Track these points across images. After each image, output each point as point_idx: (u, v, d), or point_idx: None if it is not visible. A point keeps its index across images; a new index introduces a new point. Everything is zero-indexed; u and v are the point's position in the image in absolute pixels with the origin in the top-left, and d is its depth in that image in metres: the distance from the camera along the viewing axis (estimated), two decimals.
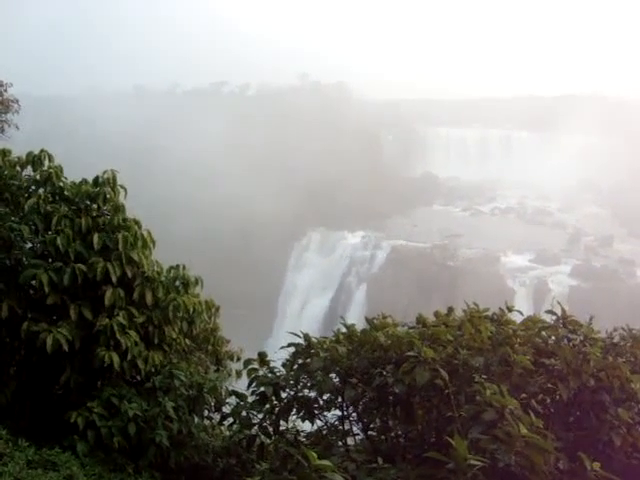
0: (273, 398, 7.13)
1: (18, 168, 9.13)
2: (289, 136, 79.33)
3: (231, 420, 7.68)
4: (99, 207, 8.93)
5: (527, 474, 4.53)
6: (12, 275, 8.47)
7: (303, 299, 61.16)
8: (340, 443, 6.93)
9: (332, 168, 72.82)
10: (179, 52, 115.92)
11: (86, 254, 8.51)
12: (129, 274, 8.54)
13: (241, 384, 8.43)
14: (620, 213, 67.54)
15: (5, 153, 9.18)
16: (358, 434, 7.07)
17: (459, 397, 5.56)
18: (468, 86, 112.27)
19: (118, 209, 8.96)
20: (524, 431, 4.52)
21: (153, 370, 8.64)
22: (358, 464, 5.73)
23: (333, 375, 6.90)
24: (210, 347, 10.17)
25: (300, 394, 7.12)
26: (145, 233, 8.98)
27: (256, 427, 7.31)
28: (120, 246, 8.49)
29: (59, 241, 8.35)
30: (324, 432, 7.18)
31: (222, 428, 9.06)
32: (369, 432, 6.98)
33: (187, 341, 9.38)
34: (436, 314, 6.96)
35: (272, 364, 7.45)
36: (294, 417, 7.26)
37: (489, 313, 6.73)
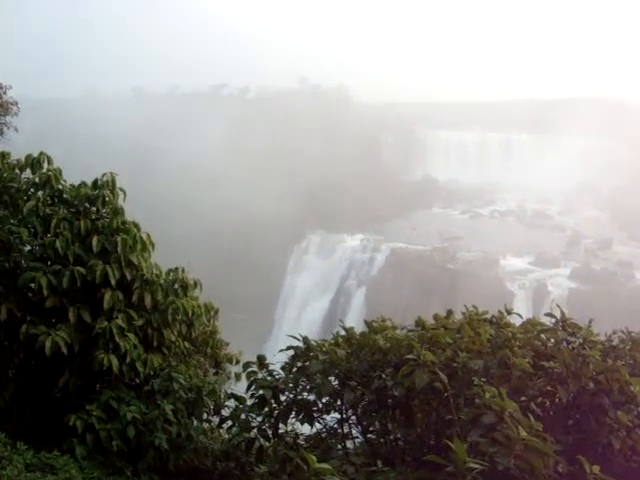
0: (272, 401, 7.13)
1: (17, 171, 9.12)
2: (289, 139, 79.40)
3: (230, 423, 7.67)
4: (98, 210, 8.93)
5: (526, 477, 4.53)
6: (11, 278, 8.46)
7: (302, 302, 61.14)
8: (339, 446, 6.92)
9: (332, 171, 72.88)
10: (178, 54, 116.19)
11: (85, 257, 8.50)
12: (128, 277, 8.53)
13: (240, 387, 8.42)
14: (619, 216, 67.56)
15: (4, 156, 9.18)
16: (357, 437, 7.06)
17: (458, 400, 5.55)
18: (468, 89, 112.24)
19: (117, 212, 8.95)
20: (523, 434, 4.51)
21: (152, 373, 8.63)
22: (357, 467, 5.73)
23: (332, 378, 6.89)
24: (209, 350, 10.16)
25: (299, 397, 7.12)
26: (144, 236, 8.98)
27: (255, 430, 7.31)
28: (119, 249, 8.49)
29: (58, 244, 8.35)
30: (323, 435, 7.18)
31: (221, 431, 9.04)
32: (368, 435, 6.97)
33: (186, 344, 9.37)
34: (435, 317, 6.96)
35: (271, 367, 7.45)
36: (293, 420, 7.25)
37: (488, 316, 6.73)
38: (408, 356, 5.81)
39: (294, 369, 7.21)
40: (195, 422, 8.72)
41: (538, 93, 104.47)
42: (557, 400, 5.87)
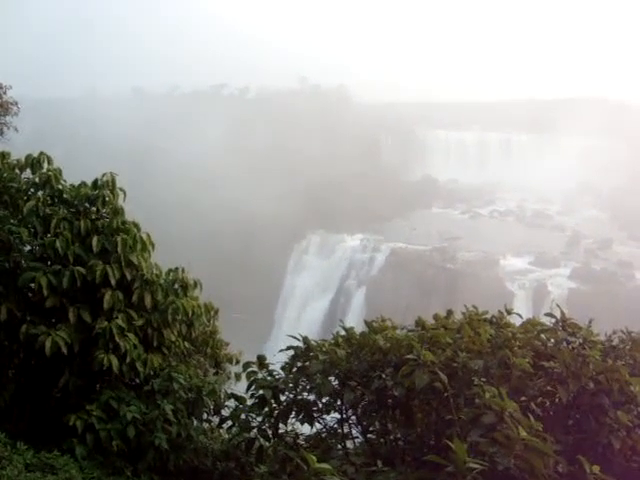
0: (272, 401, 7.13)
1: (17, 171, 9.12)
2: (288, 139, 79.43)
3: (230, 423, 7.68)
4: (98, 210, 8.93)
5: (526, 477, 4.53)
6: (11, 278, 8.46)
7: (302, 302, 61.15)
8: (339, 446, 6.93)
9: (331, 171, 72.92)
10: (178, 54, 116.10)
11: (85, 257, 8.50)
12: (128, 277, 8.53)
13: (240, 387, 8.43)
14: (619, 216, 67.57)
15: (4, 156, 9.18)
16: (357, 437, 7.07)
17: (458, 400, 5.55)
18: (468, 89, 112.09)
19: (117, 212, 8.95)
20: (523, 434, 4.52)
21: (152, 373, 8.63)
22: (357, 467, 5.73)
23: (332, 378, 6.90)
24: (209, 350, 10.16)
25: (299, 397, 7.12)
26: (144, 236, 8.98)
27: (255, 430, 7.32)
28: (119, 249, 8.49)
29: (58, 244, 8.35)
30: (323, 435, 7.18)
31: (221, 431, 9.04)
32: (368, 435, 6.97)
33: (186, 344, 9.37)
34: (435, 317, 6.96)
35: (271, 367, 7.46)
36: (293, 420, 7.26)
37: (488, 316, 6.74)
38: (408, 356, 5.81)
39: (294, 369, 7.22)
40: (195, 422, 8.72)
41: (538, 93, 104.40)
42: (557, 400, 5.87)
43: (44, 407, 8.68)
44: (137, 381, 8.76)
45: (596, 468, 4.80)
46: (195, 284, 9.30)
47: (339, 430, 7.11)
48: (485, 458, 4.42)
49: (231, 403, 8.16)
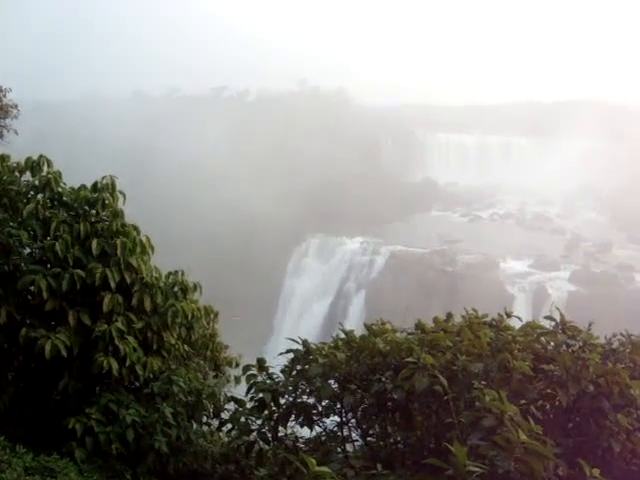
0: (272, 404, 7.13)
1: (17, 173, 9.12)
2: (288, 141, 79.47)
3: (230, 426, 7.67)
4: (98, 213, 8.92)
5: None
6: (10, 281, 8.45)
7: (302, 305, 61.12)
8: (339, 449, 6.92)
9: (331, 173, 72.96)
10: (178, 54, 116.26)
11: (85, 260, 8.50)
12: (128, 280, 8.52)
13: (240, 390, 8.42)
14: (619, 218, 67.60)
15: (4, 158, 9.17)
16: (357, 440, 7.06)
17: (458, 403, 5.55)
18: (468, 92, 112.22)
19: (117, 215, 8.95)
20: (523, 437, 4.51)
21: (152, 376, 8.62)
22: (357, 470, 5.73)
23: (332, 381, 6.90)
24: (209, 353, 10.14)
25: (299, 400, 7.12)
26: (144, 239, 8.97)
27: (255, 433, 7.31)
28: (119, 252, 8.48)
29: (58, 247, 8.34)
30: (323, 438, 7.18)
31: (221, 434, 9.03)
32: (368, 438, 6.97)
33: (186, 347, 9.35)
34: (435, 320, 6.95)
35: (271, 370, 7.45)
36: (293, 423, 7.26)
37: (488, 319, 6.73)
38: (408, 359, 5.81)
39: (294, 372, 7.21)
40: (195, 425, 8.70)
41: (538, 96, 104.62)
42: (557, 403, 5.87)
43: (43, 410, 8.66)
44: (137, 384, 8.74)
45: (596, 471, 4.80)
46: (195, 287, 9.29)
47: (339, 433, 7.11)
48: (485, 461, 4.42)
49: (231, 406, 8.16)
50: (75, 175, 9.75)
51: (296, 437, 7.39)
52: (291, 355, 7.29)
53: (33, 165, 9.05)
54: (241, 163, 72.64)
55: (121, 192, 9.15)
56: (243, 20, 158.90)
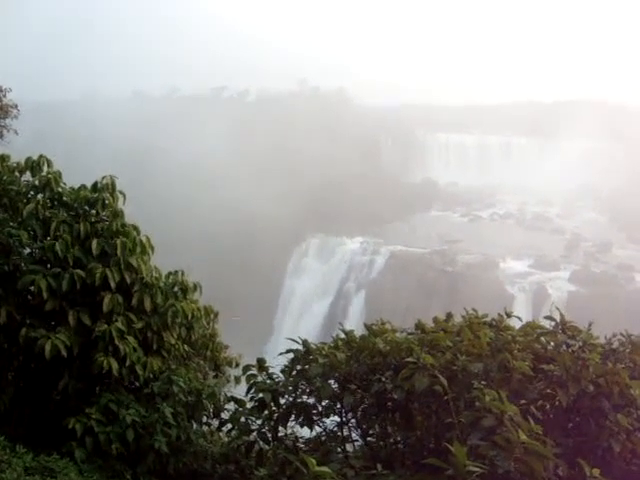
0: (272, 404, 7.13)
1: (17, 173, 9.12)
2: (288, 141, 79.47)
3: (230, 426, 7.67)
4: (98, 213, 8.92)
5: None
6: (10, 281, 8.45)
7: (302, 305, 61.12)
8: (339, 449, 6.92)
9: (331, 173, 72.95)
10: (178, 54, 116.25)
11: (85, 260, 8.50)
12: (128, 280, 8.52)
13: (240, 390, 8.42)
14: (619, 218, 67.59)
15: (4, 158, 9.17)
16: (357, 440, 7.06)
17: (458, 403, 5.55)
18: (468, 92, 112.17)
19: (117, 215, 8.95)
20: (523, 437, 4.51)
21: (152, 376, 8.62)
22: (357, 470, 5.73)
23: (332, 381, 6.90)
24: (209, 353, 10.14)
25: (299, 400, 7.12)
26: (144, 239, 8.98)
27: (255, 433, 7.31)
28: (119, 252, 8.48)
29: (58, 247, 8.34)
30: (323, 438, 7.18)
31: (221, 434, 9.03)
32: (368, 438, 6.97)
33: (186, 347, 9.35)
34: (435, 320, 6.95)
35: (271, 370, 7.46)
36: (293, 423, 7.26)
37: (488, 319, 6.73)
38: (408, 359, 5.81)
39: (294, 372, 7.21)
40: (195, 425, 8.70)
41: (538, 96, 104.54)
42: (557, 403, 5.87)
43: (43, 410, 8.66)
44: (137, 384, 8.75)
45: (596, 471, 4.80)
46: (195, 287, 9.29)
47: (339, 433, 7.11)
48: (485, 461, 4.42)
49: (231, 406, 8.16)
50: (75, 175, 9.75)
51: (296, 437, 7.39)
52: (291, 355, 7.29)
53: (33, 165, 9.05)
54: (241, 163, 72.65)
55: (121, 192, 9.15)
56: (243, 20, 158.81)
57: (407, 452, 6.34)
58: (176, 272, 9.19)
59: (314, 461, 4.30)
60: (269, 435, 7.24)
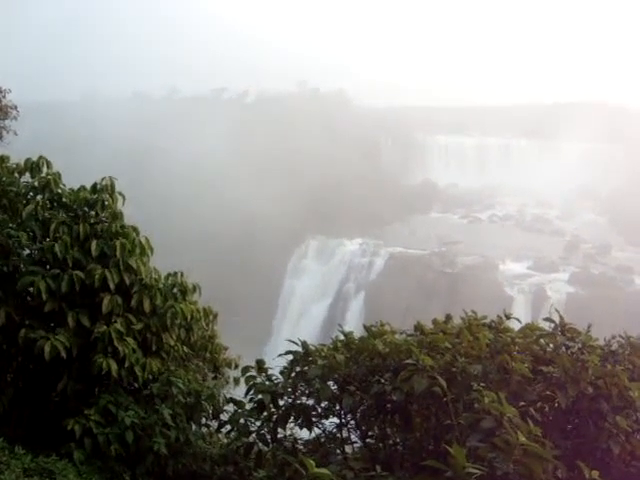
0: (271, 406, 7.12)
1: (16, 175, 9.12)
2: (288, 142, 79.45)
3: (229, 428, 7.66)
4: (97, 214, 8.91)
5: None
6: (10, 282, 8.45)
7: (301, 306, 61.09)
8: (338, 451, 6.91)
9: (331, 174, 72.95)
10: (178, 56, 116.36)
11: (84, 261, 8.50)
12: (127, 281, 8.52)
13: (239, 392, 8.41)
14: (618, 220, 67.62)
15: (3, 159, 9.17)
16: (356, 442, 7.05)
17: (457, 405, 5.55)
18: (468, 93, 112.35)
19: (116, 216, 8.95)
20: (522, 439, 4.50)
21: (151, 377, 8.62)
22: (356, 472, 5.72)
23: (331, 383, 6.89)
24: (208, 354, 10.14)
25: (298, 402, 7.12)
26: (143, 240, 8.97)
27: (254, 435, 7.31)
28: (118, 253, 8.48)
29: (57, 248, 8.34)
30: (322, 440, 7.17)
31: (220, 436, 9.03)
32: (367, 440, 6.96)
33: (185, 348, 9.35)
34: (434, 322, 6.95)
35: (270, 371, 7.45)
36: (292, 425, 7.25)
37: (487, 320, 6.73)
38: (407, 361, 5.80)
39: (293, 374, 7.21)
40: (194, 427, 8.70)
41: (538, 97, 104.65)
42: (556, 405, 5.86)
43: (42, 411, 8.65)
44: (136, 385, 8.74)
45: (595, 473, 4.79)
46: (194, 288, 9.29)
47: (338, 435, 7.11)
48: (484, 463, 4.41)
49: (230, 407, 8.15)
50: (75, 176, 9.75)
51: (295, 439, 7.38)
52: (290, 356, 7.29)
53: (32, 166, 9.05)
54: (241, 163, 72.68)
55: (120, 193, 9.15)
56: (243, 20, 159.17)
57: (406, 454, 6.33)
58: (175, 273, 9.19)
59: (313, 463, 4.29)
60: (268, 436, 7.23)
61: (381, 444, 6.73)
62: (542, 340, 6.33)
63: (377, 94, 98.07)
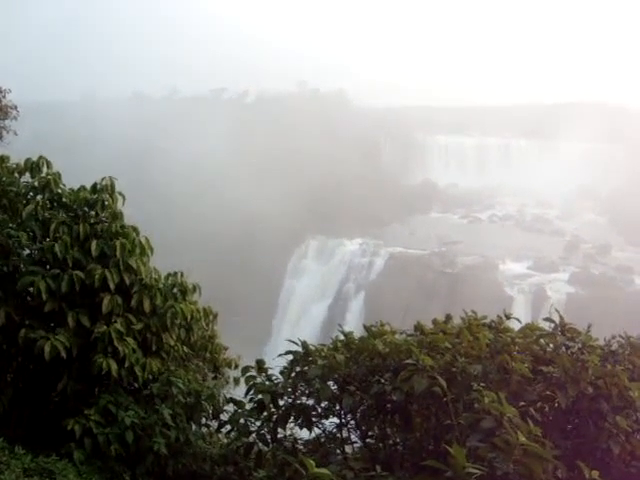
0: (271, 406, 7.12)
1: (16, 175, 9.12)
2: (288, 142, 79.48)
3: (229, 428, 7.66)
4: (97, 214, 8.91)
5: None
6: (10, 282, 8.45)
7: (301, 306, 61.09)
8: (338, 451, 6.91)
9: (331, 175, 72.98)
10: (178, 56, 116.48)
11: (84, 261, 8.50)
12: (127, 281, 8.52)
13: (239, 392, 8.41)
14: (618, 220, 67.62)
15: (3, 159, 9.17)
16: (356, 442, 7.05)
17: (457, 405, 5.55)
18: (467, 94, 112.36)
19: (116, 216, 8.95)
20: (522, 439, 4.50)
21: (151, 377, 8.62)
22: (356, 472, 5.72)
23: (331, 383, 6.89)
24: (208, 354, 10.14)
25: (298, 402, 7.12)
26: (143, 240, 8.97)
27: (254, 435, 7.31)
28: (118, 253, 8.48)
29: (57, 248, 8.34)
30: (322, 440, 7.17)
31: (220, 436, 9.03)
32: (367, 440, 6.96)
33: (185, 348, 9.35)
34: (434, 322, 6.95)
35: (270, 371, 7.45)
36: (292, 425, 7.25)
37: (487, 321, 6.73)
38: (407, 361, 5.80)
39: (293, 374, 7.21)
40: (194, 427, 8.70)
41: (538, 98, 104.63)
42: (556, 405, 5.86)
43: (42, 412, 8.66)
44: (136, 385, 8.74)
45: (595, 473, 4.79)
46: (194, 288, 9.29)
47: (338, 435, 7.10)
48: (484, 463, 4.41)
49: (230, 407, 8.15)
50: (75, 176, 9.75)
51: (295, 439, 7.38)
52: (290, 356, 7.29)
53: (32, 166, 9.05)
54: (241, 163, 72.73)
55: (120, 193, 9.15)
56: (243, 21, 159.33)
57: (406, 454, 6.33)
58: (175, 273, 9.19)
59: (313, 463, 4.28)
60: (268, 436, 7.23)
61: (381, 444, 6.73)
62: (542, 340, 6.33)
63: (377, 94, 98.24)
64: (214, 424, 8.88)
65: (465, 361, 5.91)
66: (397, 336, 6.92)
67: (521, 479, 4.48)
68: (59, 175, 9.07)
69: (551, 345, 6.29)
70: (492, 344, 6.17)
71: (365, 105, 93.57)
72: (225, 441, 8.67)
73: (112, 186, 9.06)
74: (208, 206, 67.74)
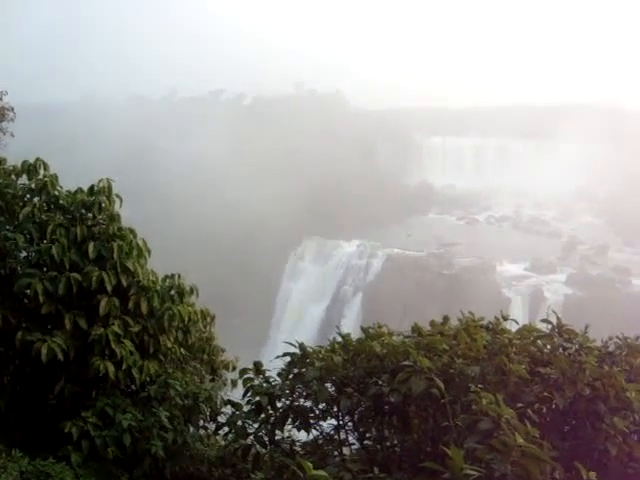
0: (269, 408, 7.11)
1: (13, 177, 9.11)
2: (287, 143, 79.53)
3: (226, 430, 7.65)
4: (94, 216, 8.91)
5: None
6: (6, 284, 8.44)
7: (299, 308, 61.07)
8: (336, 453, 6.91)
9: (329, 175, 73.05)
10: (178, 57, 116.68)
11: (81, 263, 8.48)
12: (124, 283, 8.51)
13: (236, 393, 8.40)
14: (615, 221, 67.74)
15: (0, 161, 9.16)
16: (354, 444, 7.05)
17: (455, 406, 5.55)
18: (465, 95, 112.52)
19: (113, 218, 8.94)
20: (520, 440, 4.51)
21: (148, 380, 8.61)
22: (354, 474, 5.72)
23: (329, 384, 6.88)
24: (205, 356, 10.13)
25: (296, 404, 7.11)
26: (140, 242, 8.96)
27: (251, 437, 7.30)
28: (115, 255, 8.47)
29: (54, 250, 8.33)
30: (320, 442, 7.17)
31: (217, 438, 9.01)
32: (365, 442, 6.95)
33: (182, 350, 9.34)
34: (432, 323, 6.95)
35: (268, 373, 7.44)
36: (290, 427, 7.24)
37: (484, 322, 6.74)
38: (405, 362, 5.80)
39: (290, 376, 7.20)
40: (191, 429, 8.69)
41: (535, 99, 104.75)
42: (553, 406, 5.87)
43: (40, 414, 8.64)
44: (133, 388, 8.73)
45: (592, 474, 4.79)
46: (191, 290, 9.28)
47: (335, 437, 7.10)
48: (482, 464, 4.41)
49: (227, 410, 8.14)
50: (75, 176, 9.75)
51: (293, 441, 7.38)
52: (288, 358, 7.28)
53: (29, 168, 9.04)
54: (241, 164, 72.79)
55: (117, 195, 9.14)
56: (242, 21, 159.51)
57: (404, 455, 6.33)
58: (173, 275, 9.18)
59: (311, 465, 4.28)
60: (266, 439, 7.22)
61: (379, 446, 6.73)
62: (539, 341, 6.33)
63: (376, 95, 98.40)
64: (212, 426, 8.87)
65: (463, 362, 5.91)
66: (395, 338, 6.92)
67: None
68: (56, 177, 9.05)
69: (548, 346, 6.29)
70: (489, 345, 6.17)
71: (363, 106, 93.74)
72: (223, 443, 8.66)
73: (109, 188, 9.05)
74: (208, 206, 67.76)
